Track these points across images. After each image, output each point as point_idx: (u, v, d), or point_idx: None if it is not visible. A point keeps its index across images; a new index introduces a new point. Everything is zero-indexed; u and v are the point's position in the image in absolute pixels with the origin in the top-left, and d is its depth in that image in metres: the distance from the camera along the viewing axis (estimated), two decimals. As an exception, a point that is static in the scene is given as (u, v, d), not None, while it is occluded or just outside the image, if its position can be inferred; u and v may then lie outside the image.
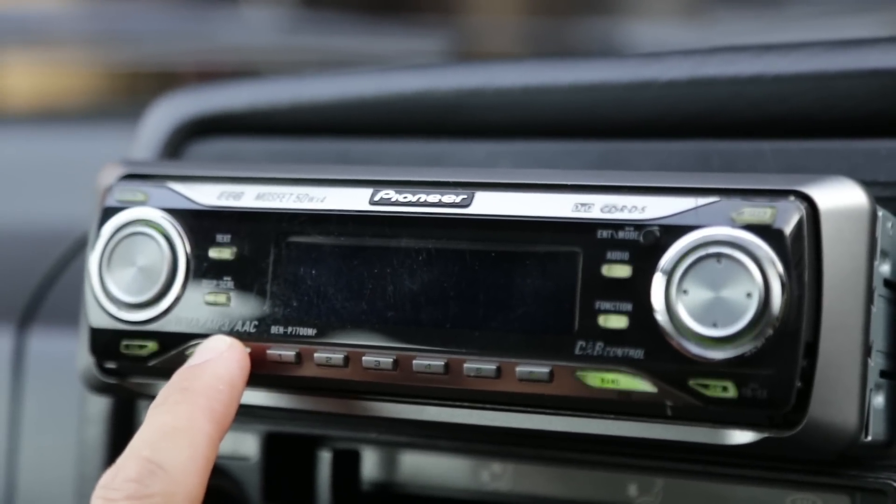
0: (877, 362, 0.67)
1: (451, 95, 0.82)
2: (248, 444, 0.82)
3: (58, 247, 1.05)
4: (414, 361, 0.68)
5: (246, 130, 0.88)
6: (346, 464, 0.82)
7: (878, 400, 0.68)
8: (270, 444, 0.82)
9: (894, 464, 0.69)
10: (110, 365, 0.75)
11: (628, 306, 0.65)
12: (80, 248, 0.99)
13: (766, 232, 0.63)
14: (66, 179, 1.15)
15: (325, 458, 0.81)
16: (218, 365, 0.67)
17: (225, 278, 0.72)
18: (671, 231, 0.65)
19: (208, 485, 0.80)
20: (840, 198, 0.64)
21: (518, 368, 0.66)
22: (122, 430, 0.86)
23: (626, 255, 0.65)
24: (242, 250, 0.72)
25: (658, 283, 0.64)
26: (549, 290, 0.66)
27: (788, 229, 0.63)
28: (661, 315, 0.64)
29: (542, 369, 0.66)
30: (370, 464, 0.82)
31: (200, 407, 0.64)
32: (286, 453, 0.82)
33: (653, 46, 1.83)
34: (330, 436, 0.81)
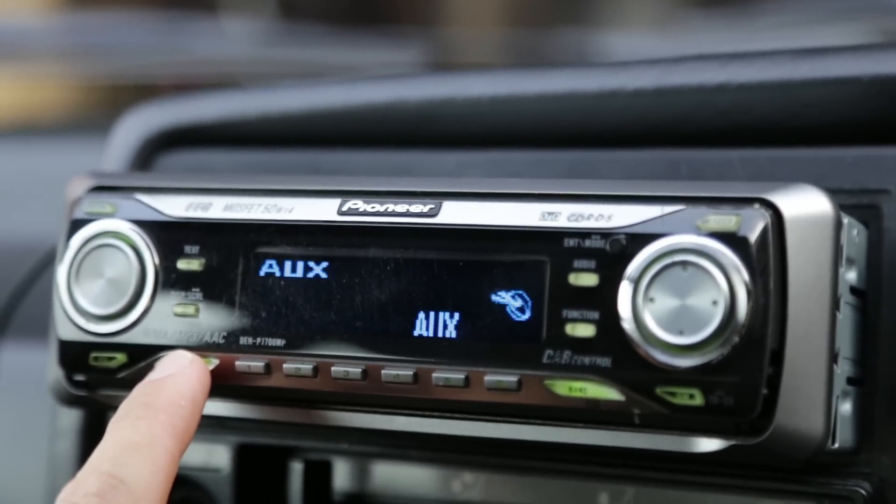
0: (843, 369, 0.67)
1: (421, 106, 0.83)
2: (219, 456, 0.82)
3: (29, 259, 1.05)
4: (383, 371, 0.68)
5: (215, 142, 0.88)
6: (318, 474, 0.81)
7: (846, 407, 0.68)
8: (242, 456, 0.81)
9: (862, 471, 0.69)
10: (80, 377, 0.75)
11: (595, 315, 0.65)
12: (50, 260, 0.99)
13: (731, 239, 0.63)
14: (39, 192, 1.15)
15: (296, 468, 0.81)
16: (179, 380, 0.67)
17: (193, 290, 0.71)
18: (637, 239, 0.65)
19: (179, 497, 0.80)
20: (805, 205, 0.65)
21: (486, 378, 0.66)
22: (93, 443, 0.84)
23: (592, 264, 0.65)
24: (211, 261, 0.71)
25: (625, 291, 0.64)
26: (516, 299, 0.67)
27: (753, 237, 0.63)
28: (627, 323, 0.64)
29: (510, 378, 0.66)
30: (342, 474, 0.82)
31: (162, 423, 0.64)
32: (258, 464, 0.82)
33: (627, 56, 1.83)
34: (301, 447, 0.81)
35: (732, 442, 0.64)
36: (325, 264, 0.70)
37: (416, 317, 0.68)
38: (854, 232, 0.69)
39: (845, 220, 0.67)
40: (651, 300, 0.64)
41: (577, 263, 0.66)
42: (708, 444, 0.65)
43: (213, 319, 0.71)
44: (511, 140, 0.81)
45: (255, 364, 0.70)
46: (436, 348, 0.67)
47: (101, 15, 2.62)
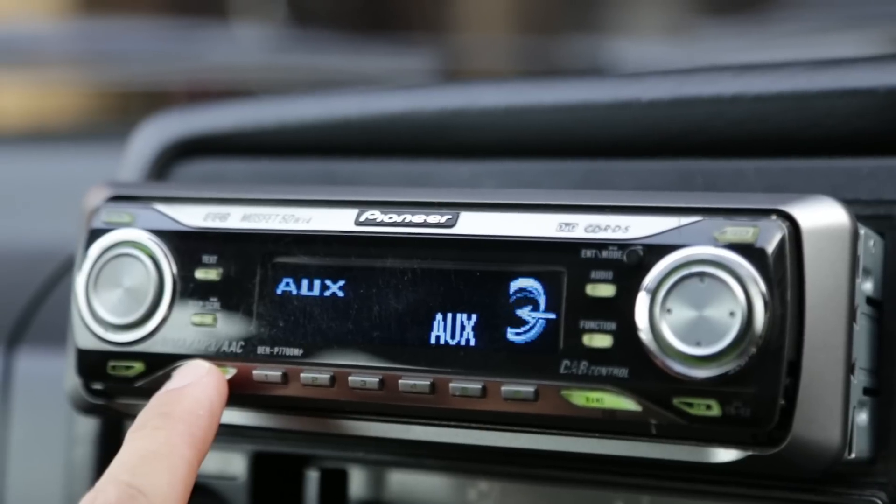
0: (860, 380, 0.67)
1: (436, 116, 0.83)
2: (235, 464, 0.82)
3: (46, 267, 1.05)
4: (400, 381, 0.68)
5: (232, 151, 0.88)
6: (334, 483, 0.82)
7: (862, 417, 0.68)
8: (258, 464, 0.82)
9: (878, 481, 0.69)
10: (97, 386, 0.75)
11: (612, 325, 0.65)
12: (68, 268, 0.99)
13: (748, 251, 0.63)
14: (55, 199, 1.16)
15: (312, 477, 0.82)
16: (197, 390, 0.68)
17: (211, 299, 0.72)
18: (655, 250, 0.65)
19: (196, 505, 0.80)
20: (822, 216, 0.65)
21: (503, 388, 0.67)
22: (110, 450, 0.85)
23: (609, 275, 0.66)
24: (228, 271, 0.72)
25: (642, 302, 0.65)
26: (533, 309, 0.67)
27: (771, 248, 0.63)
28: (645, 334, 0.64)
29: (527, 388, 0.66)
30: (358, 483, 0.82)
31: (180, 433, 0.65)
32: (274, 473, 0.82)
33: (639, 64, 1.83)
34: (317, 455, 0.81)
35: (749, 452, 0.65)
36: (342, 274, 0.70)
37: (434, 327, 0.68)
38: (870, 242, 0.69)
39: (861, 230, 0.67)
40: (668, 311, 0.64)
41: (594, 274, 0.66)
42: (725, 455, 0.65)
43: (230, 329, 0.71)
44: (526, 150, 0.81)
45: (273, 373, 0.70)
46: (453, 358, 0.68)
47: (114, 21, 2.63)
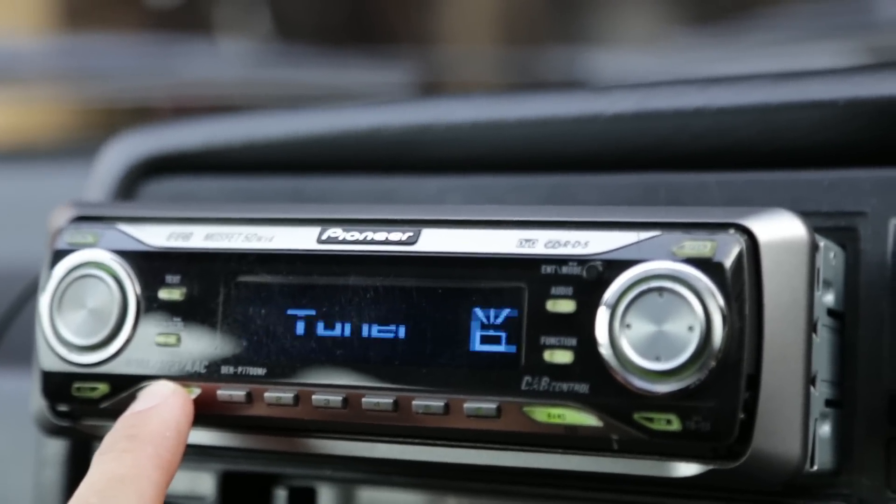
0: (821, 392, 0.67)
1: (402, 132, 0.83)
2: (204, 484, 0.82)
3: (16, 286, 1.05)
4: (363, 399, 0.68)
5: (200, 169, 0.88)
6: (303, 501, 0.82)
7: (824, 429, 0.68)
8: (226, 483, 0.82)
9: (842, 492, 0.69)
10: (62, 408, 0.75)
11: (573, 341, 0.65)
12: (36, 288, 0.99)
13: (706, 265, 0.64)
14: (27, 218, 1.15)
15: (281, 496, 0.82)
16: (164, 411, 0.68)
17: (175, 319, 0.72)
18: (614, 265, 0.65)
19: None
20: (779, 230, 0.65)
21: (466, 405, 0.67)
22: (79, 472, 0.85)
23: (569, 290, 0.66)
24: (192, 291, 0.72)
25: (602, 317, 0.65)
26: (495, 326, 0.67)
27: (728, 262, 0.64)
28: (605, 349, 0.64)
29: (489, 405, 0.66)
30: (326, 500, 0.82)
31: (148, 455, 0.65)
32: (242, 492, 0.82)
33: (620, 74, 1.84)
34: (286, 473, 0.81)
35: (710, 466, 0.65)
36: (305, 293, 0.70)
37: (396, 345, 0.68)
38: (831, 255, 0.69)
39: (822, 242, 0.67)
40: (628, 326, 0.64)
41: (554, 290, 0.66)
42: (686, 469, 0.65)
43: (194, 349, 0.71)
44: (492, 165, 0.81)
45: (237, 393, 0.70)
46: (415, 376, 0.68)
47: (96, 37, 2.63)
